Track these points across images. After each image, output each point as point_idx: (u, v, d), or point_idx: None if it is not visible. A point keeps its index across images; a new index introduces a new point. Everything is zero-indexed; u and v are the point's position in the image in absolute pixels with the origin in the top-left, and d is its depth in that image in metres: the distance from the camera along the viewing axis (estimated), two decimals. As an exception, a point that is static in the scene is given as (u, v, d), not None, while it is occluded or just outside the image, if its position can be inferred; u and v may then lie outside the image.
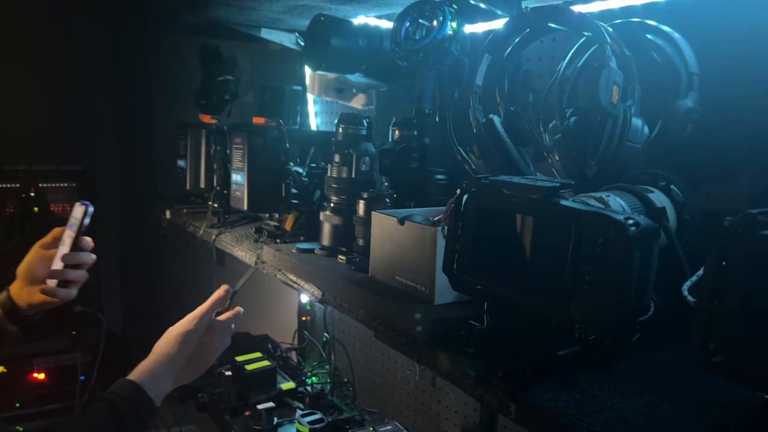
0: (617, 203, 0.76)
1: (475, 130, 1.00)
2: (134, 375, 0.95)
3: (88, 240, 1.13)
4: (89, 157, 3.33)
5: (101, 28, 3.48)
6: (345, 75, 1.47)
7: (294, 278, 1.24)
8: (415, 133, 1.33)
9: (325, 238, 1.28)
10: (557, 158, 0.93)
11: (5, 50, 2.97)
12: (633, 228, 0.59)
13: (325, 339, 1.93)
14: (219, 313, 1.08)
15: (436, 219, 0.94)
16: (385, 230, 1.04)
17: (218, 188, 1.67)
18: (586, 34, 0.92)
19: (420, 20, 1.19)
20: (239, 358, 1.73)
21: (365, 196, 1.19)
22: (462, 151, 1.05)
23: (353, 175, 1.26)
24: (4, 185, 2.98)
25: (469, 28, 1.21)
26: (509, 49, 1.01)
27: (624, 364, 0.77)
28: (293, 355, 2.08)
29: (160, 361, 0.98)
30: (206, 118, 1.79)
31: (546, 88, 1.04)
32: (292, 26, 1.72)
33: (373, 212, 1.08)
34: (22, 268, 1.12)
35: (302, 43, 1.77)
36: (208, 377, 1.75)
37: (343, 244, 1.25)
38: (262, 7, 1.46)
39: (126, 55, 3.43)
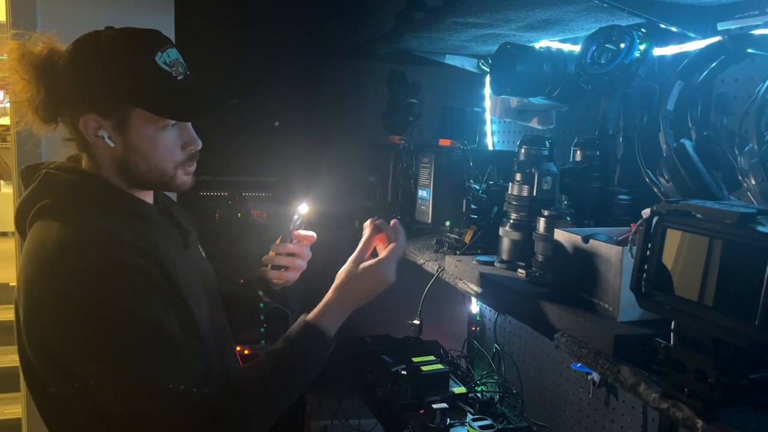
0: (821, 231, 0.75)
1: (665, 154, 1.02)
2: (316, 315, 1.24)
3: (299, 234, 1.37)
4: (283, 170, 3.76)
5: (298, 57, 3.92)
6: (527, 98, 1.54)
7: (475, 287, 1.33)
8: (597, 153, 1.35)
9: (504, 252, 1.36)
10: (753, 182, 0.92)
11: (217, 80, 3.47)
12: (837, 256, 0.59)
13: (494, 350, 2.00)
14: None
15: (621, 238, 0.98)
16: (568, 247, 1.09)
17: (402, 201, 1.83)
18: (790, 57, 0.90)
19: (606, 45, 1.23)
20: (415, 359, 1.86)
21: (546, 213, 1.25)
22: (651, 174, 1.07)
23: (534, 194, 1.33)
24: (216, 193, 3.48)
25: (657, 51, 1.22)
26: (704, 74, 1.01)
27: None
28: (462, 362, 2.17)
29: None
30: (395, 139, 1.97)
31: (743, 111, 1.02)
32: (475, 52, 1.83)
33: (556, 229, 1.14)
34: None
35: (484, 68, 1.88)
36: (386, 374, 1.91)
37: (521, 258, 1.31)
38: (451, 37, 1.59)
39: (319, 80, 3.82)
